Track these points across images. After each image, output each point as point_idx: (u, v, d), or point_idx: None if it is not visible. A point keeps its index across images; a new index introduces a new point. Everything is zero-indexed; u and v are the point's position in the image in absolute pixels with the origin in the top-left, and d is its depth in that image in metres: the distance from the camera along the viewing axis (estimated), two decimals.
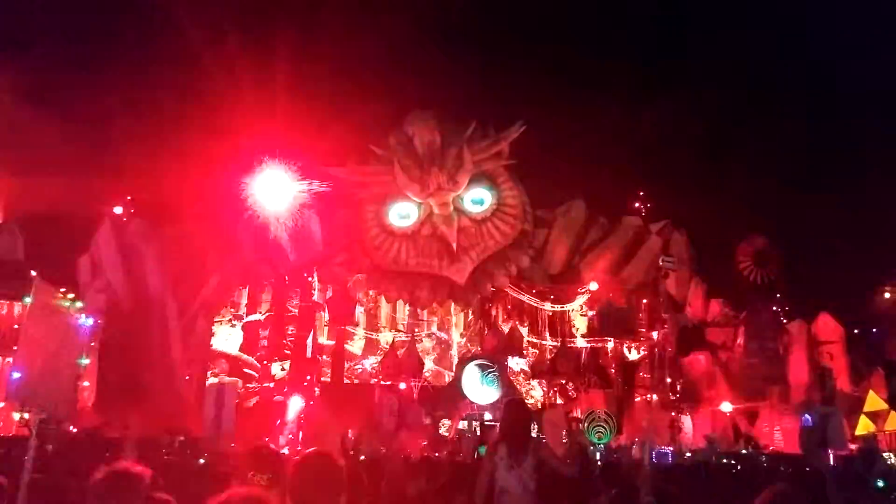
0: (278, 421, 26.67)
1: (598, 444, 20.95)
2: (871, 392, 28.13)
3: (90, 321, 27.15)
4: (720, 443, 27.01)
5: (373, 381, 32.74)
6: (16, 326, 25.26)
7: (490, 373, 29.19)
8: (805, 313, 32.54)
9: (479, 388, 29.31)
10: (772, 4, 54.19)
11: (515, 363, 34.04)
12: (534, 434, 22.46)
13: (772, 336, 31.77)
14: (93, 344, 27.87)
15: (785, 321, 32.97)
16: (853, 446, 23.50)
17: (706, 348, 32.59)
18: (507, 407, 6.33)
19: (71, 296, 26.14)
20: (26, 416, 19.67)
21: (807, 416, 23.35)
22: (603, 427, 21.81)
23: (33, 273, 19.73)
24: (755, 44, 56.17)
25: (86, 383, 27.82)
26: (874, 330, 34.13)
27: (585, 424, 21.30)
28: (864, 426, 28.58)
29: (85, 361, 25.82)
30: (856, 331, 33.02)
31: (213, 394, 18.88)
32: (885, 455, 19.74)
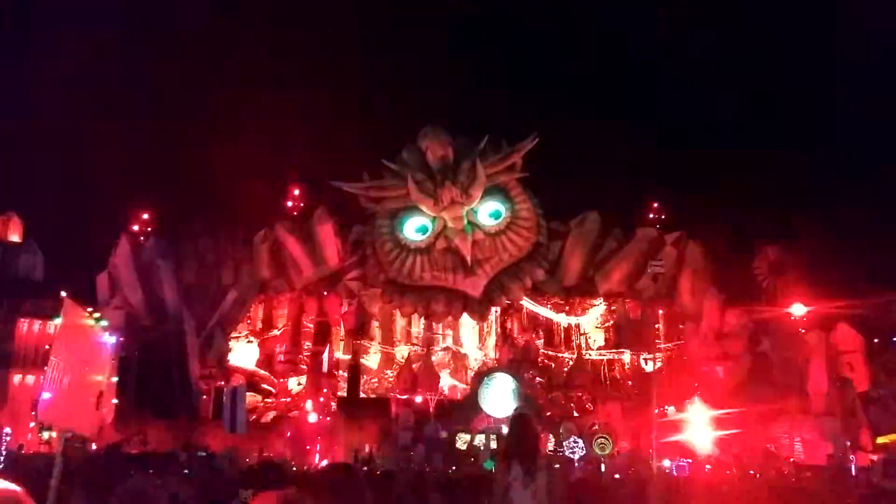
0: (288, 433, 26.78)
1: (602, 454, 21.45)
2: None
3: (113, 339, 27.38)
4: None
5: (389, 395, 32.80)
6: (47, 347, 25.55)
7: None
8: (824, 323, 32.24)
9: (504, 400, 29.27)
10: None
11: (531, 375, 33.94)
12: (551, 447, 22.58)
13: (790, 346, 31.50)
14: (113, 361, 28.05)
15: (803, 331, 32.68)
16: (874, 457, 23.32)
17: (724, 359, 32.36)
18: (516, 422, 6.28)
19: (97, 315, 26.41)
20: (54, 434, 19.88)
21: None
22: (604, 439, 22.51)
23: (63, 294, 19.93)
24: (774, 47, 55.98)
25: (113, 401, 27.97)
26: (894, 339, 33.78)
27: (597, 444, 21.88)
28: (886, 435, 28.28)
29: (105, 379, 25.99)
30: (875, 340, 32.68)
31: (228, 396, 19.33)
32: None
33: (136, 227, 32.99)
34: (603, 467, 22.35)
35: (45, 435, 25.19)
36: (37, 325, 30.22)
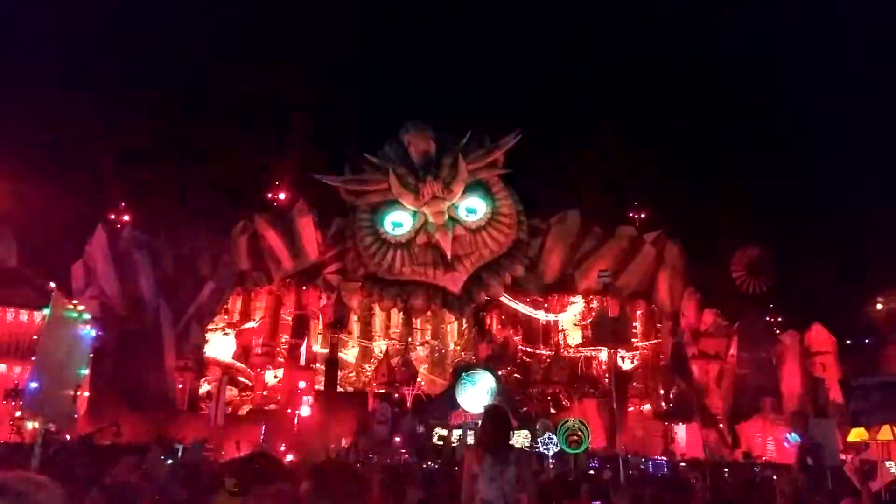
0: (263, 427, 26.65)
1: (573, 452, 21.30)
2: None
3: (93, 333, 26.96)
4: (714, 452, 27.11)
5: (367, 389, 32.74)
6: (34, 337, 25.10)
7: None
8: (798, 324, 32.62)
9: (481, 396, 29.35)
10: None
11: (509, 371, 34.00)
12: (527, 443, 22.55)
13: (765, 346, 31.82)
14: (91, 355, 27.66)
15: (778, 332, 33.04)
16: (845, 457, 23.57)
17: (700, 358, 32.64)
18: (489, 414, 6.25)
19: (81, 307, 26.02)
20: (36, 425, 19.68)
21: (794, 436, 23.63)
22: (577, 436, 22.34)
23: (52, 285, 19.71)
24: (753, 47, 56.49)
25: (86, 393, 27.63)
26: (866, 341, 34.21)
27: (560, 434, 21.59)
28: (856, 434, 28.55)
29: (85, 371, 25.59)
30: (848, 342, 33.09)
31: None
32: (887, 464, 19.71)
33: (112, 217, 32.63)
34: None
35: (30, 425, 24.89)
36: (10, 313, 29.80)
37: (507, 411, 6.27)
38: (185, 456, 19.02)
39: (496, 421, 6.00)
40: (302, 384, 29.22)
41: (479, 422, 6.33)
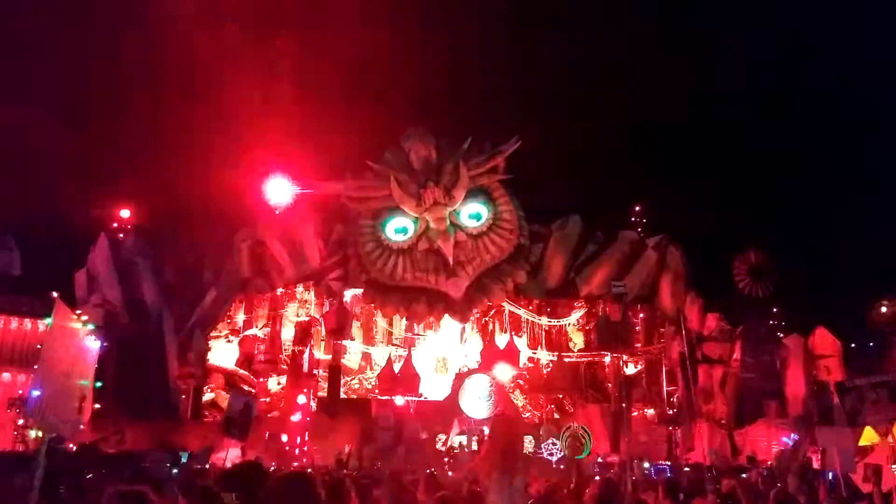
0: (266, 434, 26.62)
1: (576, 458, 21.41)
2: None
3: (98, 343, 26.91)
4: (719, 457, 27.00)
5: (369, 395, 32.72)
6: (38, 346, 25.15)
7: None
8: (802, 327, 32.55)
9: (484, 401, 29.37)
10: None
11: (512, 378, 33.99)
12: (530, 449, 22.53)
13: (768, 350, 31.74)
14: (96, 365, 27.69)
15: (781, 335, 32.97)
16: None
17: (703, 363, 32.59)
18: (495, 424, 6.27)
19: (85, 318, 26.03)
20: (40, 433, 19.69)
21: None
22: (579, 441, 22.40)
23: (55, 294, 19.70)
24: (758, 53, 56.55)
25: (97, 405, 27.64)
26: (871, 344, 34.14)
27: (563, 439, 21.72)
28: (867, 438, 28.46)
29: (89, 383, 25.57)
30: (852, 345, 33.01)
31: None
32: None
33: (115, 225, 32.68)
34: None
35: (32, 434, 24.91)
36: (14, 322, 29.84)
37: (514, 421, 6.29)
38: (192, 462, 19.02)
39: (504, 430, 6.02)
40: (301, 399, 29.08)
41: (485, 429, 6.34)
